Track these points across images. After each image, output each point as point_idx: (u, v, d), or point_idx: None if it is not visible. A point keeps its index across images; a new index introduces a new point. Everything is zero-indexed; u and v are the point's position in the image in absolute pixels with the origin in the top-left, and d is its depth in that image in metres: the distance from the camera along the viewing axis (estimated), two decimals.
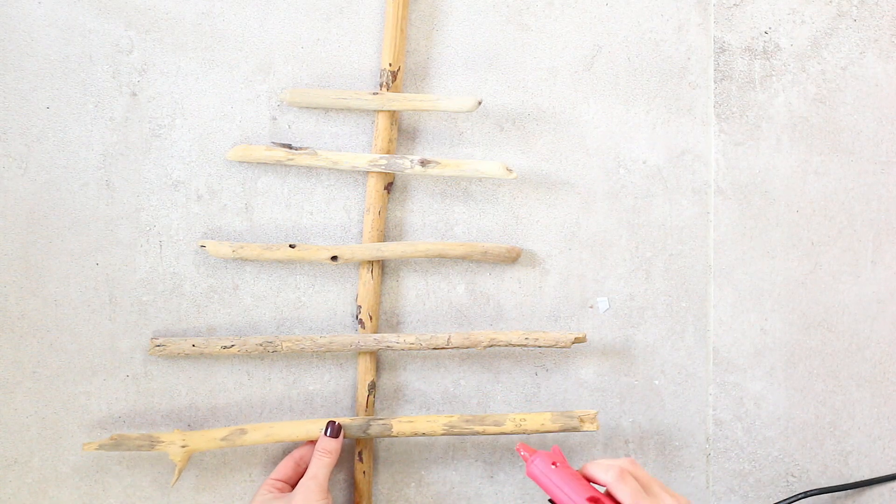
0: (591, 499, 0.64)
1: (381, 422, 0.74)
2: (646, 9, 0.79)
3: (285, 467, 0.73)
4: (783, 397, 0.85)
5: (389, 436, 0.74)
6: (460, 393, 0.79)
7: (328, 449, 0.71)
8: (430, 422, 0.75)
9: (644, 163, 0.81)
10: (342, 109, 0.74)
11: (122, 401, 0.73)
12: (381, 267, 0.76)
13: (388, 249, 0.74)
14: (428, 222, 0.77)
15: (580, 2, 0.78)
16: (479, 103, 0.72)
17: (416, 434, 0.74)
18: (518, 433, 0.76)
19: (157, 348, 0.71)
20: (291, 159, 0.72)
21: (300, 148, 0.72)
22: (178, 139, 0.73)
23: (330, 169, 0.74)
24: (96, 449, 0.69)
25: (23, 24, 0.69)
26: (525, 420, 0.76)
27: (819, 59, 0.83)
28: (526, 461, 0.67)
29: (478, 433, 0.75)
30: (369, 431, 0.73)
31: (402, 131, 0.77)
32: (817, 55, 0.83)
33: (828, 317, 0.85)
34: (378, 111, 0.74)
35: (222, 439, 0.71)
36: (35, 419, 0.72)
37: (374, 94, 0.73)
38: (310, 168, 0.74)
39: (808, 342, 0.85)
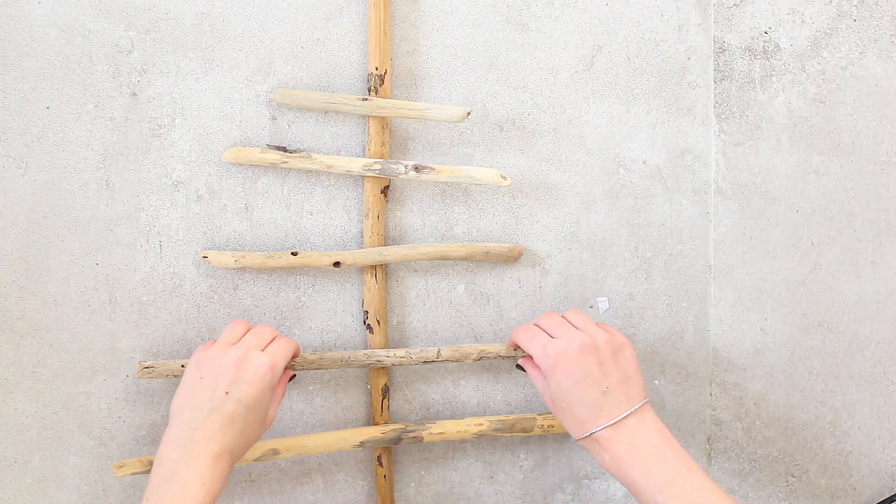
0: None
1: (411, 434, 0.75)
2: (646, 9, 0.79)
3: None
4: (783, 397, 0.85)
5: (419, 442, 0.76)
6: (460, 392, 0.79)
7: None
8: (461, 431, 0.76)
9: (644, 163, 0.81)
10: (332, 112, 0.74)
11: (122, 401, 0.73)
12: (385, 271, 0.76)
13: (391, 253, 0.74)
14: (428, 222, 0.77)
15: (580, 2, 0.78)
16: (469, 114, 0.72)
17: (445, 440, 0.77)
18: (545, 434, 0.79)
19: (146, 371, 0.70)
20: (286, 162, 0.72)
21: (295, 151, 0.72)
22: (178, 139, 0.72)
23: (326, 172, 0.74)
24: (130, 474, 0.70)
25: (23, 24, 0.69)
26: (553, 426, 0.77)
27: (819, 59, 0.83)
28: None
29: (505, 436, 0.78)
30: (402, 441, 0.75)
31: (401, 130, 0.77)
32: (817, 55, 0.83)
33: (828, 317, 0.85)
34: (368, 116, 0.74)
35: (255, 459, 0.71)
36: (35, 419, 0.72)
37: (363, 99, 0.72)
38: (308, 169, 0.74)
39: (808, 342, 0.85)
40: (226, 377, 0.64)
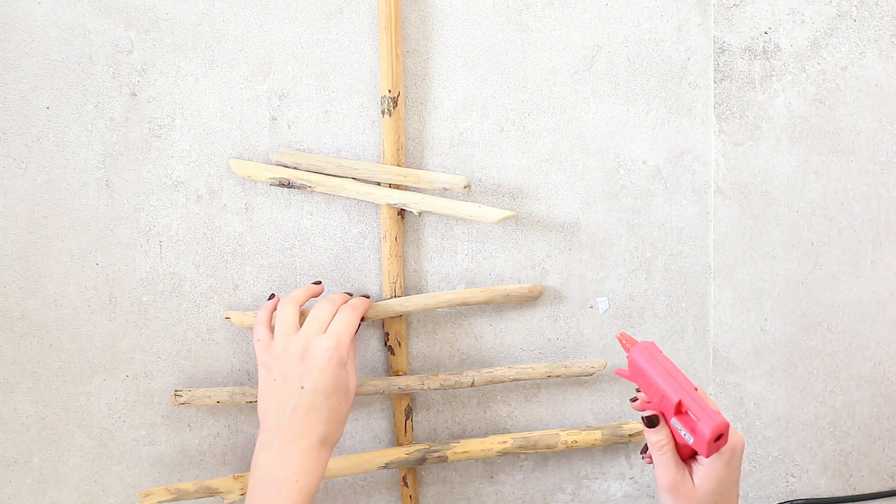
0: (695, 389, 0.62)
1: (436, 453, 0.75)
2: (646, 9, 0.79)
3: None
4: (783, 397, 0.85)
5: (444, 461, 0.76)
6: (459, 393, 0.79)
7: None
8: (485, 450, 0.77)
9: (644, 163, 0.81)
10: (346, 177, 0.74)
11: (122, 401, 0.73)
12: (404, 290, 0.76)
13: (411, 303, 0.74)
14: (428, 222, 0.77)
15: (580, 2, 0.78)
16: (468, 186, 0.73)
17: (470, 459, 0.77)
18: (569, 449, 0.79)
19: (177, 397, 0.72)
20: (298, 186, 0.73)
21: (299, 186, 0.72)
22: (178, 139, 0.73)
23: (328, 174, 0.74)
24: (157, 503, 0.70)
25: (23, 24, 0.69)
26: (577, 441, 0.78)
27: (819, 59, 0.83)
28: (627, 349, 0.65)
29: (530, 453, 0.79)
30: (426, 461, 0.76)
31: (406, 134, 0.77)
32: (817, 55, 0.83)
33: (828, 317, 0.85)
34: (383, 133, 0.74)
35: None
36: (35, 419, 0.72)
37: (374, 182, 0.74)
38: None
39: (808, 342, 0.85)
40: (295, 372, 0.64)
